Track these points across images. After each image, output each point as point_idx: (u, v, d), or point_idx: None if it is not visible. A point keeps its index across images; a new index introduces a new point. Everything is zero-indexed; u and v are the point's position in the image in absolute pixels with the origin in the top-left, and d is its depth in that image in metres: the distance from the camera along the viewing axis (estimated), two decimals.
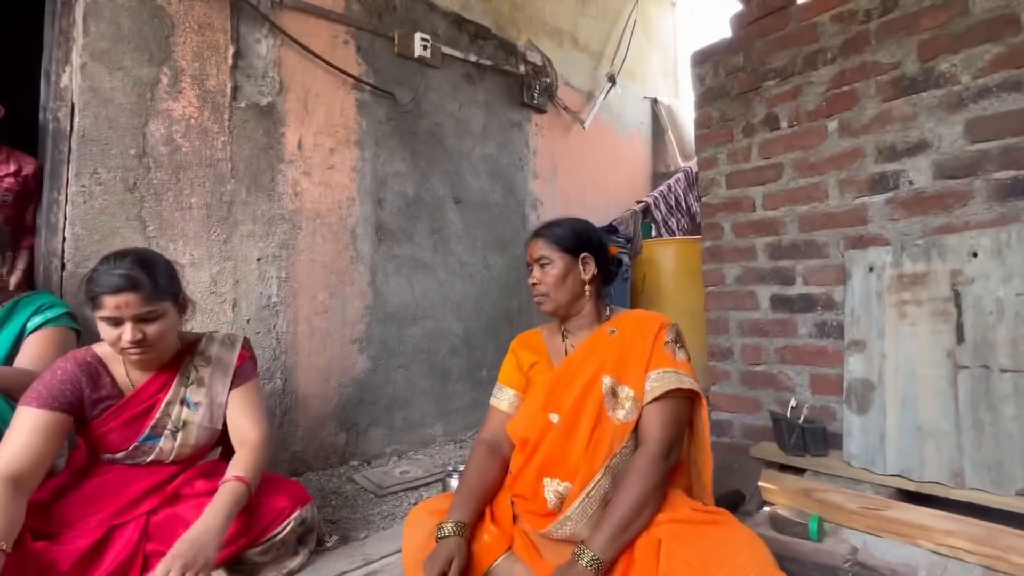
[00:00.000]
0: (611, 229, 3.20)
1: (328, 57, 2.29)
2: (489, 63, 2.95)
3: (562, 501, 1.14)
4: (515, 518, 1.21)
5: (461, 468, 1.98)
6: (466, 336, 2.76)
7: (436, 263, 2.66)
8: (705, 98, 2.29)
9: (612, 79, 3.81)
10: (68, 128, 1.73)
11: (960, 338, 1.53)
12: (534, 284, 1.29)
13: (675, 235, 3.79)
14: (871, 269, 1.75)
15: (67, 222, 1.71)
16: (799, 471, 1.76)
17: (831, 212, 1.92)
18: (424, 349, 2.57)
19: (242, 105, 2.06)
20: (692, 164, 3.97)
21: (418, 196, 2.61)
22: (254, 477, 1.23)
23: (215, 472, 1.35)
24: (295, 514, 1.32)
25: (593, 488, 1.11)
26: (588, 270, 1.28)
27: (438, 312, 2.65)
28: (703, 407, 1.22)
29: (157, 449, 1.29)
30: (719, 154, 2.23)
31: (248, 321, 2.02)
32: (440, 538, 1.10)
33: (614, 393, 1.18)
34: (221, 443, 1.51)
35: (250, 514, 1.25)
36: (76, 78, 1.74)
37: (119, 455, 1.27)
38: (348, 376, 2.29)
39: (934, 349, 1.58)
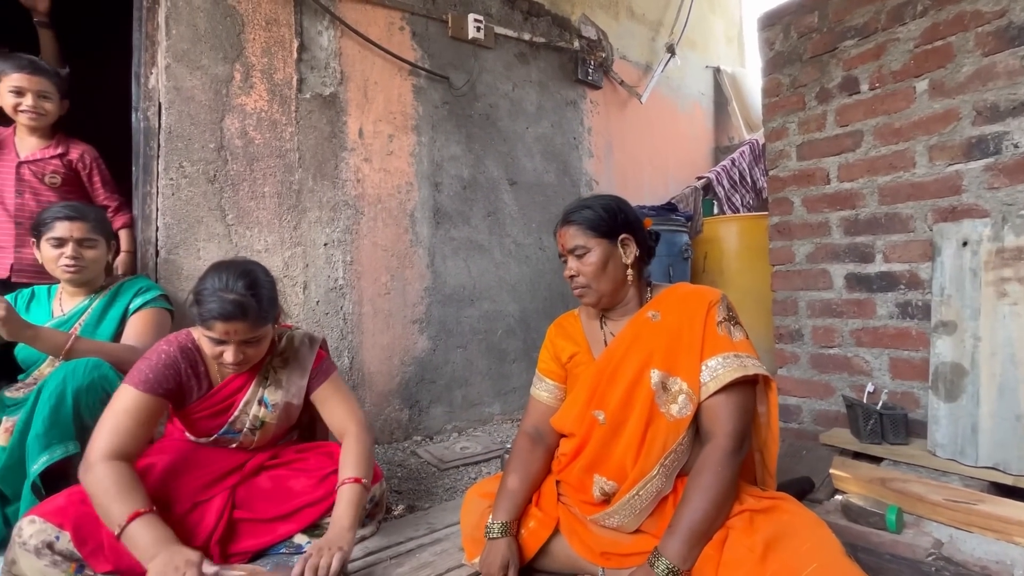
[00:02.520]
0: (670, 207, 3.09)
1: (385, 44, 2.33)
2: (543, 40, 2.90)
3: (608, 498, 1.12)
4: (559, 495, 1.21)
5: None
6: (522, 317, 2.79)
7: (492, 245, 2.69)
8: (774, 64, 2.15)
9: (671, 49, 3.64)
10: (156, 126, 1.87)
11: None
12: (571, 276, 1.17)
13: (739, 212, 3.61)
14: (965, 244, 1.59)
15: (159, 213, 1.86)
16: (875, 459, 1.66)
17: (918, 182, 1.76)
18: (481, 330, 2.62)
19: (307, 96, 2.15)
20: (758, 136, 3.75)
21: (474, 179, 2.64)
22: (366, 471, 1.29)
23: (295, 443, 1.50)
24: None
25: (644, 487, 1.07)
26: (629, 253, 1.16)
27: (494, 293, 2.68)
28: (772, 390, 1.11)
29: (237, 442, 1.37)
30: (789, 123, 2.09)
31: (317, 303, 2.14)
32: (490, 537, 1.12)
33: (664, 387, 1.08)
34: (297, 427, 1.60)
35: (329, 486, 1.33)
36: (162, 78, 1.88)
37: (203, 440, 1.37)
38: (410, 355, 2.38)
39: None
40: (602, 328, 1.24)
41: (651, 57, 3.60)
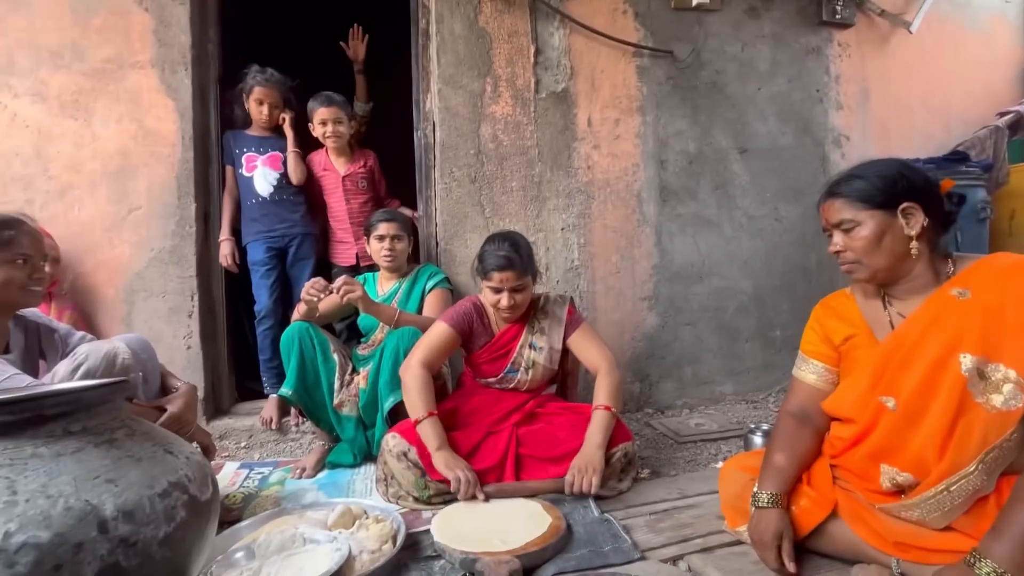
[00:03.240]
0: (956, 156, 2.50)
1: (609, 31, 2.41)
2: None
3: (901, 489, 1.04)
4: (834, 479, 1.16)
5: (764, 427, 1.95)
6: (756, 294, 2.62)
7: (721, 219, 2.58)
8: None
9: None
10: (432, 141, 2.31)
11: None
12: (837, 252, 1.12)
13: None
14: None
15: (437, 212, 2.31)
16: None
17: None
18: (711, 307, 2.55)
19: (542, 96, 2.37)
20: None
21: (700, 152, 2.56)
22: (615, 401, 1.59)
23: (556, 400, 1.79)
24: (620, 447, 1.57)
25: (957, 483, 0.96)
26: (914, 223, 1.04)
27: (724, 269, 2.58)
28: None
29: (516, 380, 1.72)
30: None
31: (557, 282, 2.38)
32: (758, 506, 1.13)
33: (981, 374, 0.96)
34: (556, 381, 1.90)
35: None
36: (434, 101, 2.30)
37: (491, 380, 1.74)
38: (639, 331, 2.47)
39: None
40: (886, 308, 1.14)
41: None
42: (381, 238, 2.02)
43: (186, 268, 2.08)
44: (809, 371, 1.25)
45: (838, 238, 1.12)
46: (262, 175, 2.23)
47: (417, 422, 1.50)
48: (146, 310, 2.06)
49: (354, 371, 1.95)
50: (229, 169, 2.25)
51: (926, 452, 1.00)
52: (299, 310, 1.88)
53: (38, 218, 1.76)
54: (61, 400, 0.82)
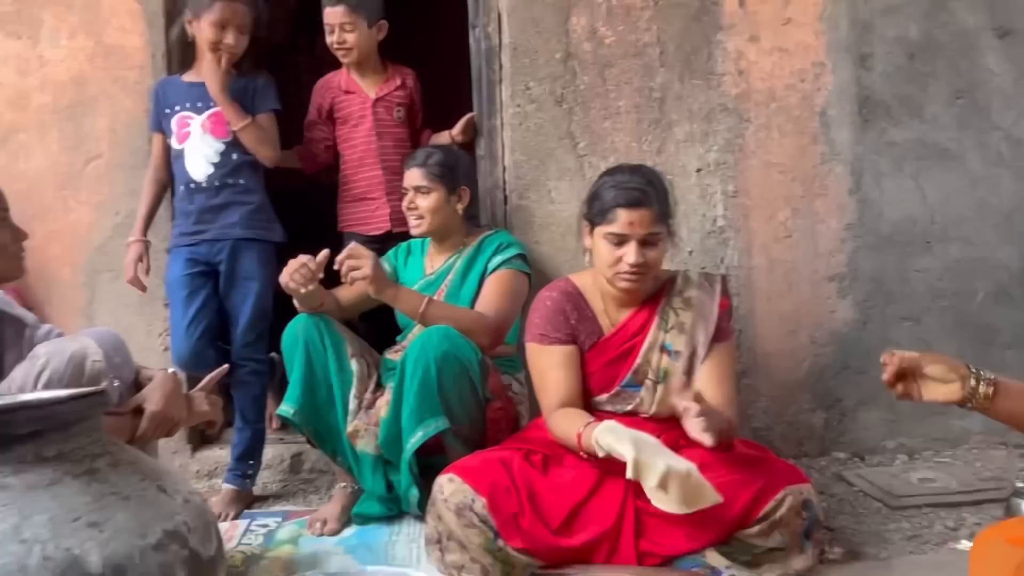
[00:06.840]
0: None
1: None
2: None
3: None
4: None
5: None
6: None
7: (964, 147, 1.73)
8: None
9: None
10: (497, 43, 1.64)
11: None
12: None
13: None
14: None
15: (506, 150, 1.64)
16: None
17: None
18: (946, 292, 1.74)
19: None
20: None
21: (928, 38, 1.71)
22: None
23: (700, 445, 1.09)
24: (784, 489, 1.07)
25: None
26: None
27: (970, 229, 1.74)
28: None
29: (638, 399, 1.22)
30: None
31: (690, 253, 1.64)
32: None
33: None
34: None
35: (731, 489, 1.04)
36: None
37: (601, 398, 1.25)
38: (824, 329, 1.71)
39: None
40: None
41: None
42: (404, 192, 1.45)
43: (163, 238, 1.54)
44: None
45: None
46: (198, 145, 1.47)
47: (579, 435, 1.08)
48: (111, 296, 1.57)
49: (379, 385, 1.38)
50: (158, 137, 1.52)
51: None
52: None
53: None
54: (32, 415, 0.68)
